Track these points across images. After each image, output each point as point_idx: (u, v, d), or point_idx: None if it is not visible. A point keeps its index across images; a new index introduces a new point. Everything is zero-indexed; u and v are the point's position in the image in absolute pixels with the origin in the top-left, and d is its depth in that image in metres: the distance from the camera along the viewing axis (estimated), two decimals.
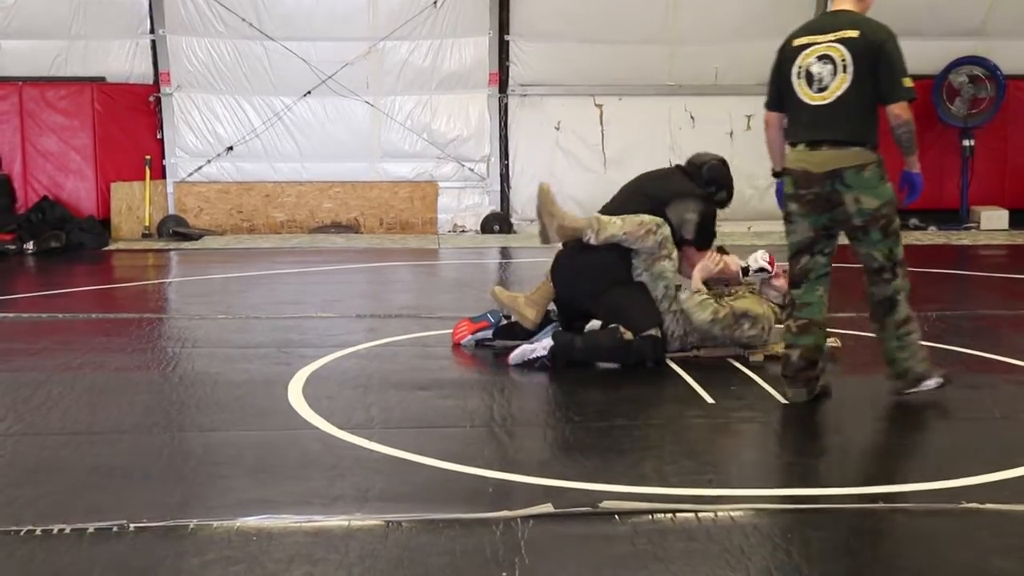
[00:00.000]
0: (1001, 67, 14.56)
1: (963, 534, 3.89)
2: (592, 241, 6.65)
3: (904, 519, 3.97)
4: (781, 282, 6.64)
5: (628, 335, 6.45)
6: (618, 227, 6.62)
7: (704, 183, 6.96)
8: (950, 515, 4.05)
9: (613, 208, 6.89)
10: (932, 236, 14.48)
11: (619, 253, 6.67)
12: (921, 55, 14.74)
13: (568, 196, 15.18)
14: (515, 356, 6.50)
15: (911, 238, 14.25)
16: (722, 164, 7.08)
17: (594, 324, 6.87)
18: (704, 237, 6.89)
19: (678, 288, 6.62)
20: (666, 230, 6.64)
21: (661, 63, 15.13)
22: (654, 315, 6.57)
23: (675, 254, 6.66)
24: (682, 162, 7.26)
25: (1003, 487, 4.38)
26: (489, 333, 7.08)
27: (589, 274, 6.72)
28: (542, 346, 6.46)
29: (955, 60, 14.69)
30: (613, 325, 6.58)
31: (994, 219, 14.80)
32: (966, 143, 14.79)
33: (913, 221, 15.07)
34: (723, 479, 4.48)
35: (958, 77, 14.64)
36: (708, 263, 6.78)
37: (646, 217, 6.63)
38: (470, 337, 7.11)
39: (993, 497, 4.21)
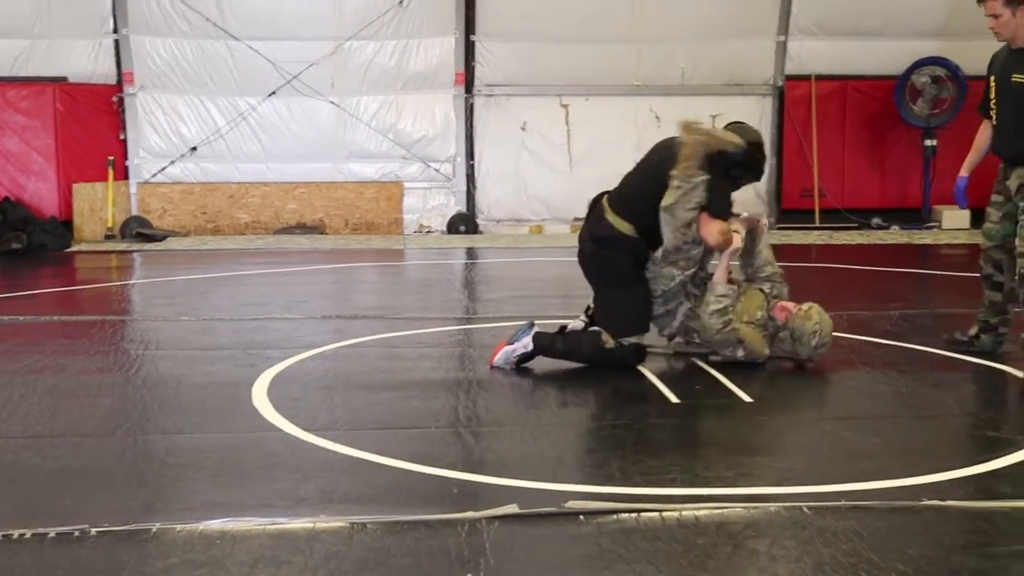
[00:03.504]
0: (962, 67, 14.68)
1: (925, 531, 3.92)
2: (676, 186, 6.26)
3: (867, 517, 4.00)
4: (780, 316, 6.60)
5: (610, 343, 6.45)
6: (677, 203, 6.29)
7: (731, 165, 6.41)
8: (912, 512, 4.08)
9: (630, 189, 6.58)
10: (895, 235, 14.60)
11: (633, 253, 6.51)
12: (884, 56, 14.96)
13: (534, 196, 15.25)
14: (499, 359, 6.50)
15: (874, 238, 14.38)
16: (757, 149, 6.60)
17: None
18: (719, 206, 6.41)
19: (695, 291, 6.56)
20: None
21: (627, 63, 15.16)
22: (642, 325, 6.55)
23: (681, 268, 6.47)
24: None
25: (964, 484, 4.43)
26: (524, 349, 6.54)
27: (594, 267, 6.63)
28: (522, 345, 6.47)
29: (917, 61, 14.80)
30: (596, 329, 6.57)
31: (956, 218, 14.91)
32: (928, 143, 14.92)
33: (876, 220, 15.21)
34: (687, 479, 4.50)
35: (920, 77, 14.75)
36: (728, 253, 6.52)
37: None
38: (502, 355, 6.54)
39: (954, 494, 4.26)
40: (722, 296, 6.47)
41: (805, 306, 6.54)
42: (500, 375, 6.38)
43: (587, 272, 6.72)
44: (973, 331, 6.69)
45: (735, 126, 6.75)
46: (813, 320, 6.48)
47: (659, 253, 6.44)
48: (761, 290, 6.69)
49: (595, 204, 6.74)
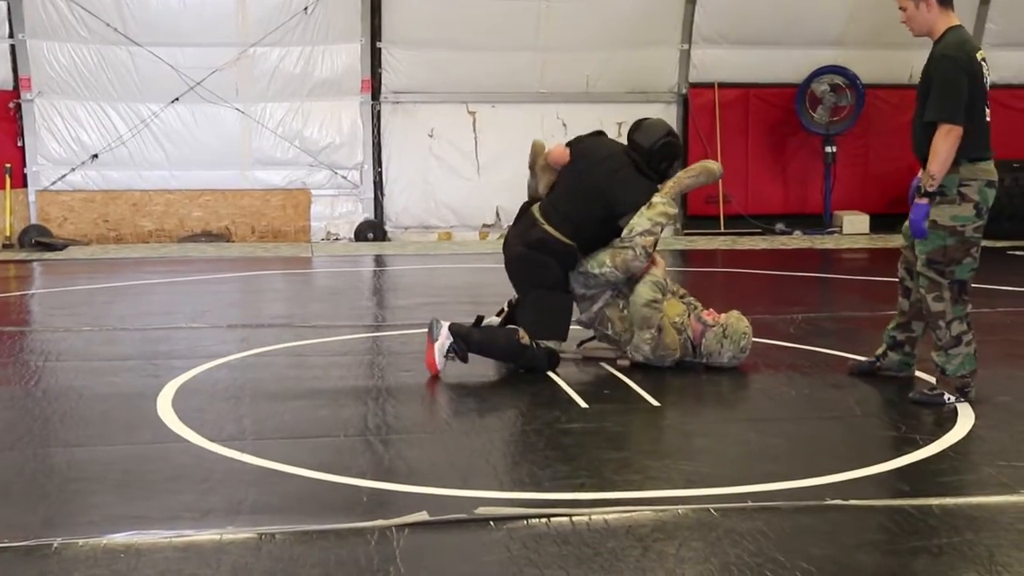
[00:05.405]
0: (860, 76, 15.03)
1: (829, 530, 4.00)
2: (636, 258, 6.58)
3: (772, 517, 4.06)
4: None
5: (525, 339, 6.50)
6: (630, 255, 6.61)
7: (657, 162, 6.82)
8: (815, 512, 4.17)
9: (571, 208, 6.72)
10: (797, 240, 14.86)
11: (564, 259, 6.67)
12: (785, 64, 15.25)
13: (442, 203, 15.24)
14: (438, 359, 6.41)
15: (777, 243, 14.62)
16: (673, 138, 6.93)
17: None
18: None
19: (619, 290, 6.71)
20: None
21: (533, 71, 15.23)
22: (560, 330, 6.63)
23: (614, 265, 6.63)
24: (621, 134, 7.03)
25: (866, 483, 4.53)
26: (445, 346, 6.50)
27: (524, 270, 6.73)
28: (445, 336, 6.44)
29: (817, 69, 15.11)
30: (513, 327, 6.63)
31: (856, 223, 15.27)
32: (828, 150, 15.24)
33: (779, 226, 15.47)
34: (596, 483, 4.53)
35: (820, 86, 15.06)
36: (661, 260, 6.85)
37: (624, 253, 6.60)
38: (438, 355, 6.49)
39: (856, 493, 4.35)
40: (660, 280, 6.64)
41: (735, 312, 6.75)
42: (409, 384, 6.36)
43: (516, 276, 6.81)
44: (880, 350, 6.42)
45: (644, 123, 7.00)
46: (745, 322, 6.70)
47: (616, 241, 6.61)
48: (685, 303, 6.81)
49: (524, 212, 6.84)
